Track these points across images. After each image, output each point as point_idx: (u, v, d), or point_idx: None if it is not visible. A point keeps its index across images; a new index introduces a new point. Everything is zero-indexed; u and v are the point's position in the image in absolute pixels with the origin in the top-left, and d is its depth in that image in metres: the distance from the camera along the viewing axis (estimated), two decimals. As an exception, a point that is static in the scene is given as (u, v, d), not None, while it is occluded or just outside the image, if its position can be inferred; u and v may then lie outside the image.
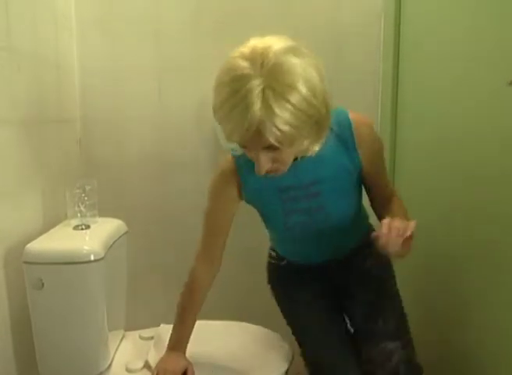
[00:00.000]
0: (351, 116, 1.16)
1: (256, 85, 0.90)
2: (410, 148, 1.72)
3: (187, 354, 1.27)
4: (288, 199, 1.23)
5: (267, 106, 0.90)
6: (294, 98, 0.91)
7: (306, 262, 1.39)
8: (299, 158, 1.12)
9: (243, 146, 1.02)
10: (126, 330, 1.60)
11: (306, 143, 1.03)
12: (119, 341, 1.53)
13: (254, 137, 0.94)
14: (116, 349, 1.47)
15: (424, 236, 1.57)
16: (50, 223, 1.49)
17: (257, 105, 0.90)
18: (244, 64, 0.93)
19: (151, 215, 1.97)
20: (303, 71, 0.93)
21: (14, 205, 1.33)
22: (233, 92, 0.92)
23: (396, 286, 1.36)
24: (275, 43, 0.95)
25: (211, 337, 1.47)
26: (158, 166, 1.94)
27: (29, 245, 1.28)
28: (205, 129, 1.91)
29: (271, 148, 0.97)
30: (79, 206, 1.45)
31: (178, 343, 1.28)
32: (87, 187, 1.47)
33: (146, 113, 1.91)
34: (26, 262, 1.26)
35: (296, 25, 1.86)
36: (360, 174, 1.22)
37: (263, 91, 0.90)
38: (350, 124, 1.15)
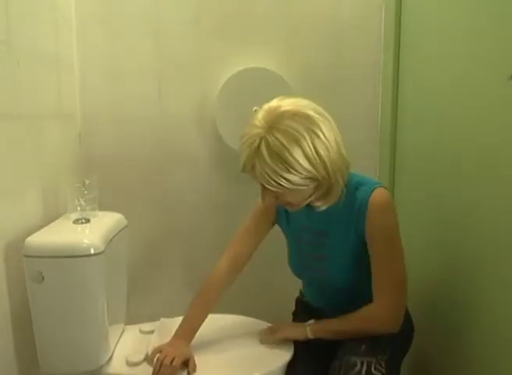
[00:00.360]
0: (376, 191, 1.23)
1: (257, 135, 1.11)
2: (411, 144, 1.73)
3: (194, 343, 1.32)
4: (300, 240, 1.38)
5: (259, 153, 1.10)
6: (283, 156, 1.08)
7: (315, 305, 1.46)
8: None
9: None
10: (126, 323, 1.59)
11: (310, 198, 1.19)
12: (120, 334, 1.52)
13: (252, 174, 1.15)
14: (117, 343, 1.47)
15: (424, 235, 1.58)
16: (50, 217, 1.48)
17: (252, 150, 1.11)
18: (259, 116, 1.13)
19: (151, 209, 1.97)
20: (300, 136, 1.09)
21: (14, 200, 1.32)
22: (245, 134, 1.14)
23: (396, 358, 1.33)
24: (287, 105, 1.13)
25: (217, 328, 1.48)
26: (157, 162, 1.94)
27: (29, 239, 1.28)
28: (205, 127, 1.92)
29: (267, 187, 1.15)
30: (79, 200, 1.45)
31: (185, 333, 1.32)
32: (87, 182, 1.47)
33: (146, 111, 1.92)
34: (26, 256, 1.26)
35: (296, 19, 1.89)
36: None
37: (260, 140, 1.10)
38: (368, 196, 1.22)
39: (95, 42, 1.86)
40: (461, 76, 1.34)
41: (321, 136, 1.11)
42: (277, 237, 1.45)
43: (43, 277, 1.25)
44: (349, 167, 1.22)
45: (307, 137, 1.09)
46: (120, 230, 1.48)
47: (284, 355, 1.34)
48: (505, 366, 1.12)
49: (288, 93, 1.73)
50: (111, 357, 1.38)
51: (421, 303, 1.54)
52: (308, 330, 1.31)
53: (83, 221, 1.43)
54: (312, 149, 1.09)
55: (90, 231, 1.38)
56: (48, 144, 1.55)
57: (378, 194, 1.23)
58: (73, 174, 1.77)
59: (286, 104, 1.14)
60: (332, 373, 1.22)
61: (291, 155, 1.08)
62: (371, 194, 1.22)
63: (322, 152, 1.11)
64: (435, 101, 1.51)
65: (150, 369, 1.29)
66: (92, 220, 1.44)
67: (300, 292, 1.57)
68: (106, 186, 1.81)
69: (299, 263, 1.42)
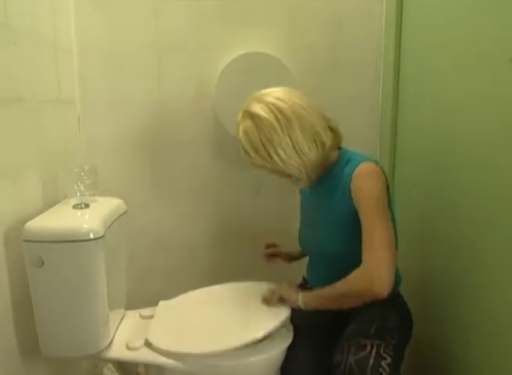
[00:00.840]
0: (362, 164, 1.30)
1: (241, 113, 1.31)
2: (411, 128, 1.72)
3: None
4: (305, 210, 1.53)
5: (237, 127, 1.31)
6: (245, 150, 1.30)
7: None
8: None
9: None
10: (126, 308, 1.60)
11: (290, 180, 1.36)
12: (120, 319, 1.53)
13: None
14: (117, 328, 1.48)
15: (423, 232, 1.58)
16: (49, 202, 1.48)
17: (237, 123, 1.32)
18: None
19: (150, 194, 1.97)
20: (253, 137, 1.27)
21: (14, 185, 1.32)
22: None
23: (402, 346, 1.33)
24: (266, 95, 1.29)
25: (222, 296, 1.54)
26: (157, 146, 1.94)
27: (28, 223, 1.27)
28: (204, 111, 1.91)
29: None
30: (78, 185, 1.45)
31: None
32: (86, 167, 1.46)
33: (145, 92, 1.90)
34: (25, 241, 1.26)
35: (297, 2, 1.86)
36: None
37: (240, 117, 1.31)
38: (354, 168, 1.29)
39: (94, 26, 1.84)
40: (462, 60, 1.34)
41: (274, 138, 1.25)
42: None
43: (43, 262, 1.25)
44: (316, 162, 1.31)
45: (258, 137, 1.26)
46: (120, 216, 1.48)
47: (284, 312, 1.37)
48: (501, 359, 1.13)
49: (288, 77, 1.74)
50: (111, 342, 1.39)
51: (419, 302, 1.54)
52: (300, 296, 1.32)
53: (83, 206, 1.43)
54: (273, 138, 1.25)
55: (89, 216, 1.37)
56: (47, 128, 1.54)
57: (364, 165, 1.29)
58: (73, 159, 1.76)
59: (270, 94, 1.29)
60: (341, 354, 1.24)
61: (247, 150, 1.29)
62: (356, 167, 1.29)
63: (272, 152, 1.26)
64: (436, 84, 1.50)
65: (150, 354, 1.31)
66: (91, 205, 1.44)
67: (303, 278, 1.59)
68: (105, 166, 1.83)
69: (303, 235, 1.51)
